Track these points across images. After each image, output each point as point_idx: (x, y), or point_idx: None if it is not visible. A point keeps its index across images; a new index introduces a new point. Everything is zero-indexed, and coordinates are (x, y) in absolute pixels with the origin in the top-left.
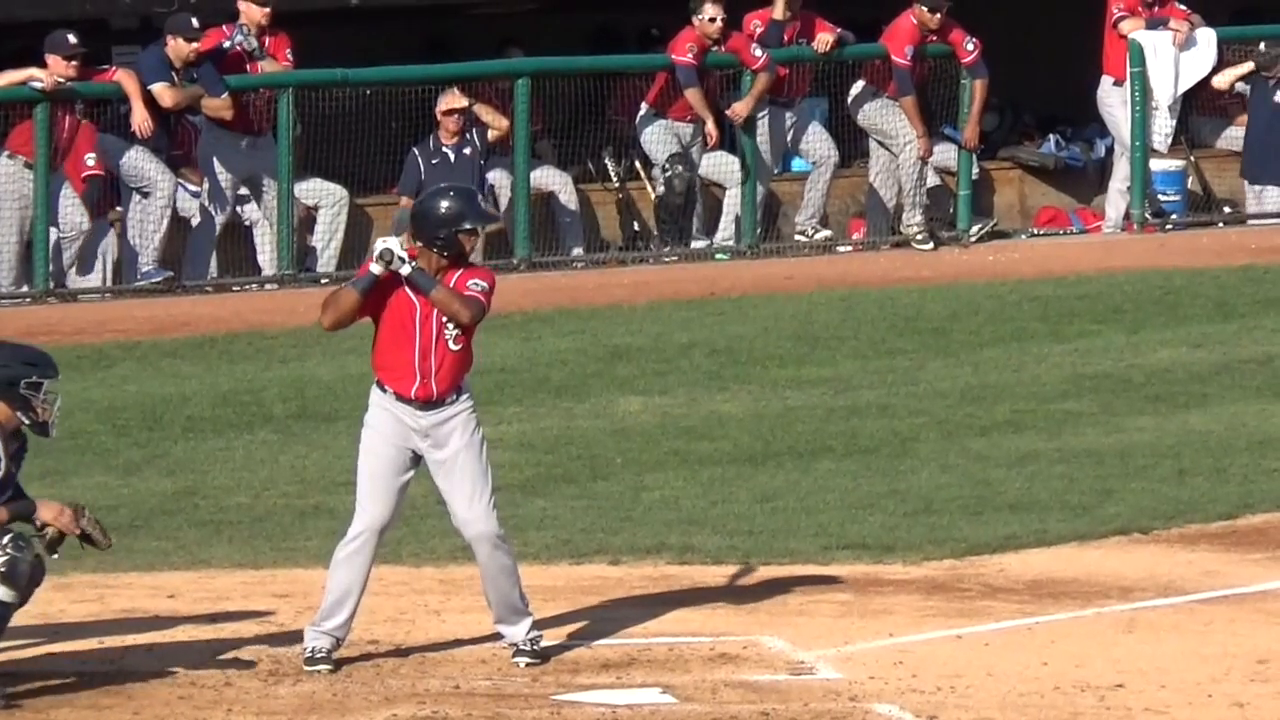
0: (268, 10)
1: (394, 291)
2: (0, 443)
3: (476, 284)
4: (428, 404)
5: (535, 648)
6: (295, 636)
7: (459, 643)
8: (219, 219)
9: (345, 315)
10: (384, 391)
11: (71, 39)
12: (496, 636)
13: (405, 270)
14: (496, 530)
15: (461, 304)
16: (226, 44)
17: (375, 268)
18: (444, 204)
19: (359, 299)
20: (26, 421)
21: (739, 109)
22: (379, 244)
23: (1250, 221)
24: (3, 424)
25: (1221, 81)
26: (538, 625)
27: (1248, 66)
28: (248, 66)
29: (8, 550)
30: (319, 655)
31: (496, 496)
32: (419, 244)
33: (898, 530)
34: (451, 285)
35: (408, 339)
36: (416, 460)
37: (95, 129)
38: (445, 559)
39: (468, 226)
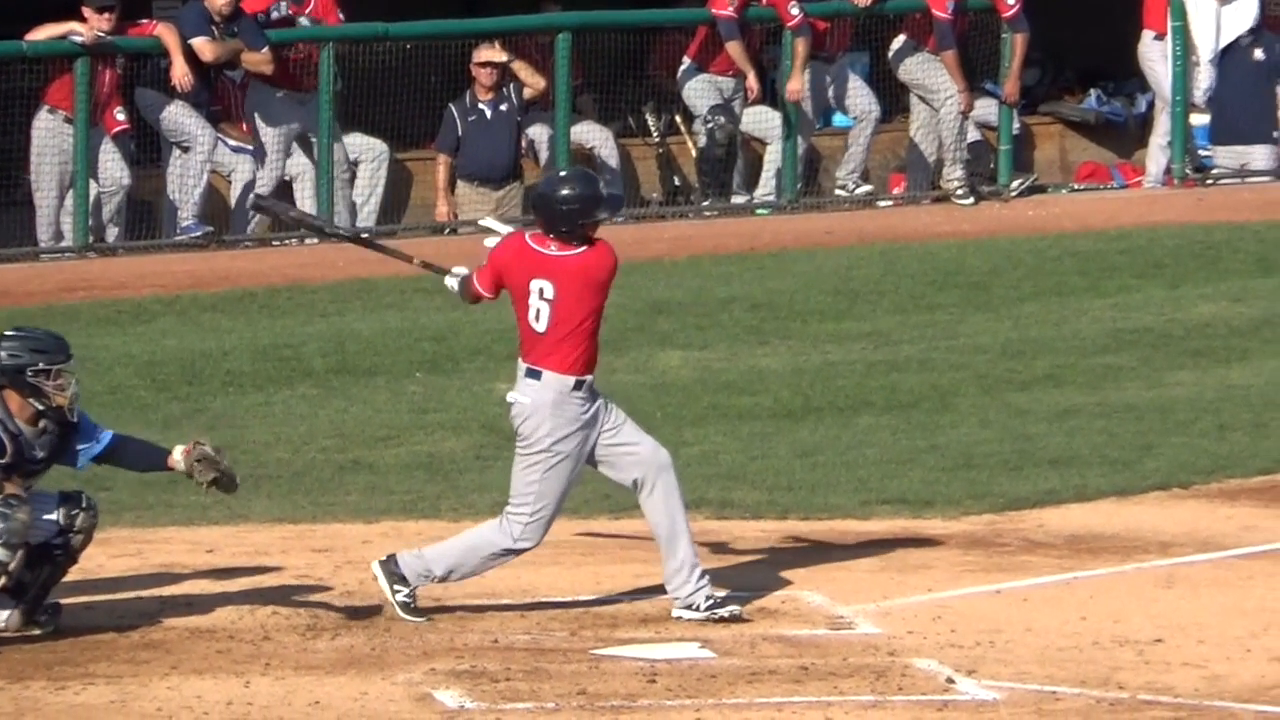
0: None
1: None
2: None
3: None
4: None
5: (709, 609)
6: (333, 591)
7: (497, 597)
8: (271, 175)
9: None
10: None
11: None
12: (536, 601)
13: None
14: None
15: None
16: (275, 14)
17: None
18: (569, 193)
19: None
20: (40, 408)
21: (793, 87)
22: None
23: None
24: (15, 413)
25: None
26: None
27: None
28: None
29: None
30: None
31: None
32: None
33: (937, 485)
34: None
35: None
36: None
37: (119, 81)
38: (484, 514)
39: (600, 217)
